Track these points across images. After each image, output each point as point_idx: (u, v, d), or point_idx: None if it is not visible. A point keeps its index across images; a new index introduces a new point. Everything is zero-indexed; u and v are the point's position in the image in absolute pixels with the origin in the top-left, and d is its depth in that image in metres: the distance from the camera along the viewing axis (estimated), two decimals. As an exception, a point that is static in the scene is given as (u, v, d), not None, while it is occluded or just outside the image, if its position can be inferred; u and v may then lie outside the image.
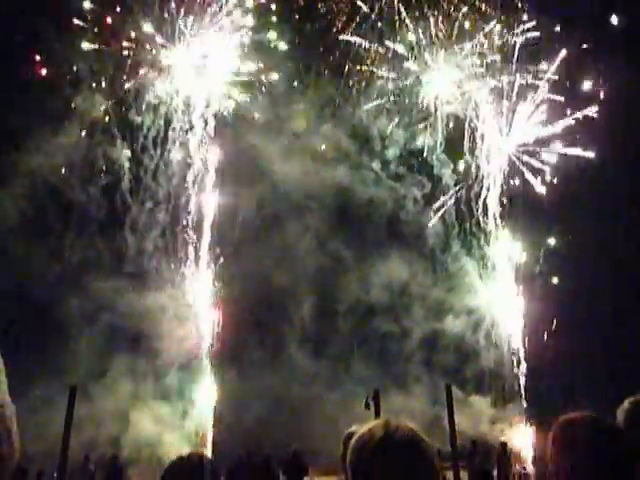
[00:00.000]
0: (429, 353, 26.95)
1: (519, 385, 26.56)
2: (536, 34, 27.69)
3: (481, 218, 28.36)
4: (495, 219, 28.19)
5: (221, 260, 26.11)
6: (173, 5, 26.16)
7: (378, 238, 28.08)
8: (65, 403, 9.18)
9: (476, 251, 28.25)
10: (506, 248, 27.87)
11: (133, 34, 26.02)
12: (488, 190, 28.44)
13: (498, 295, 27.60)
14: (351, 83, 28.48)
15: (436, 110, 28.85)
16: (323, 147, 28.11)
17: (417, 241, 28.60)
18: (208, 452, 22.40)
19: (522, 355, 26.78)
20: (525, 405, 26.24)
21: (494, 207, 28.27)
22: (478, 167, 28.56)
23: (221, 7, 26.77)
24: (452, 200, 28.74)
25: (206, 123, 26.92)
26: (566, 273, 26.15)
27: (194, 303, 25.76)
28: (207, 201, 26.56)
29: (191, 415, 24.45)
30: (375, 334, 27.25)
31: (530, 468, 24.08)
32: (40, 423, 17.08)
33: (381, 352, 26.97)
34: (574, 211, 25.91)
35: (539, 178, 27.95)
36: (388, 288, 27.53)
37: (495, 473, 20.72)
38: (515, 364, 26.73)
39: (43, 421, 16.39)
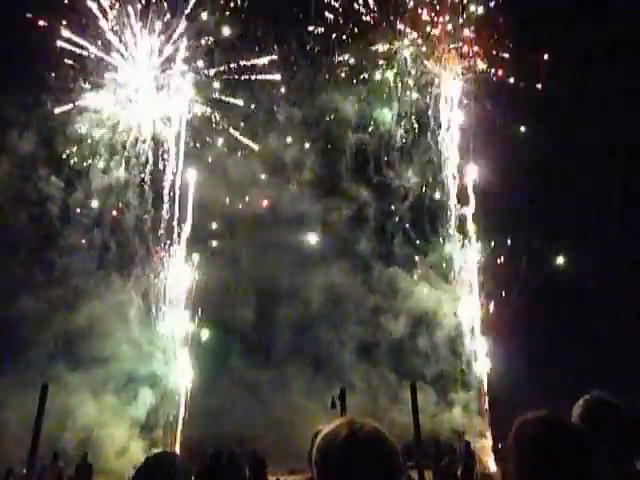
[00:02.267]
0: (370, 354, 27.50)
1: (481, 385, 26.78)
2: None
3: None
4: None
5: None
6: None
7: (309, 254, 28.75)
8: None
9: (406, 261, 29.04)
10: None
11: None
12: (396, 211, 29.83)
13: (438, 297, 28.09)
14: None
15: (345, 137, 30.03)
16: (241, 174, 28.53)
17: (349, 253, 29.20)
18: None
19: (481, 352, 27.03)
20: (487, 405, 26.31)
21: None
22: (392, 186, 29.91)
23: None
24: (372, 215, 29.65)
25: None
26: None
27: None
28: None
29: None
30: (315, 339, 27.49)
31: (494, 468, 24.04)
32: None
33: (322, 355, 27.25)
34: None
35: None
36: (327, 297, 27.89)
37: (459, 472, 19.73)
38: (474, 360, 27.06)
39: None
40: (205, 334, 26.14)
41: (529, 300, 24.74)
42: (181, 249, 27.19)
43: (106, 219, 27.52)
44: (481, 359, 27.04)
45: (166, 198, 27.72)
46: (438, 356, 27.41)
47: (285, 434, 22.23)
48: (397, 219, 29.75)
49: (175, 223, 27.46)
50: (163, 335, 25.99)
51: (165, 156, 28.16)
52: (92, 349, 24.61)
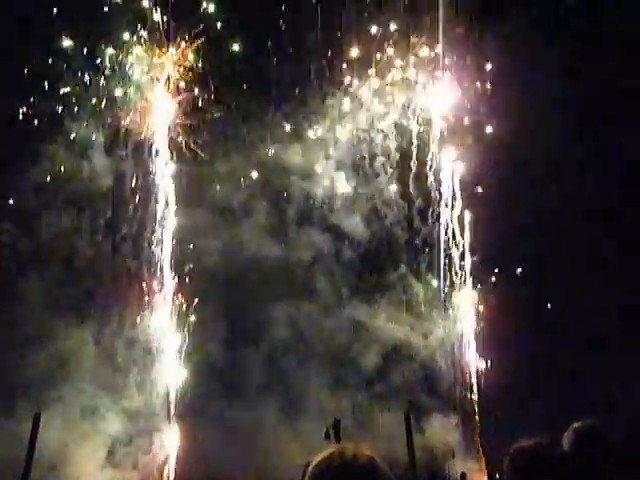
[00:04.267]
0: (344, 386, 27.54)
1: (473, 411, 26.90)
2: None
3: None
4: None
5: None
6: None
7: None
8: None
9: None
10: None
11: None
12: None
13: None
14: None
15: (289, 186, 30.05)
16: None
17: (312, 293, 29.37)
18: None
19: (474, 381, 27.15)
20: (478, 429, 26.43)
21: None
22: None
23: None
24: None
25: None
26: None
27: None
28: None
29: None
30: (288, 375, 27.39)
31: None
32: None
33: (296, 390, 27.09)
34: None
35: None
36: (295, 335, 28.06)
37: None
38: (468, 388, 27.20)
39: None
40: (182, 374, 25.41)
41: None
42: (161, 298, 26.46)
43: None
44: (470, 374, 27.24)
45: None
46: (413, 385, 27.57)
47: (267, 470, 22.19)
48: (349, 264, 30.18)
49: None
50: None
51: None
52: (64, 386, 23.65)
